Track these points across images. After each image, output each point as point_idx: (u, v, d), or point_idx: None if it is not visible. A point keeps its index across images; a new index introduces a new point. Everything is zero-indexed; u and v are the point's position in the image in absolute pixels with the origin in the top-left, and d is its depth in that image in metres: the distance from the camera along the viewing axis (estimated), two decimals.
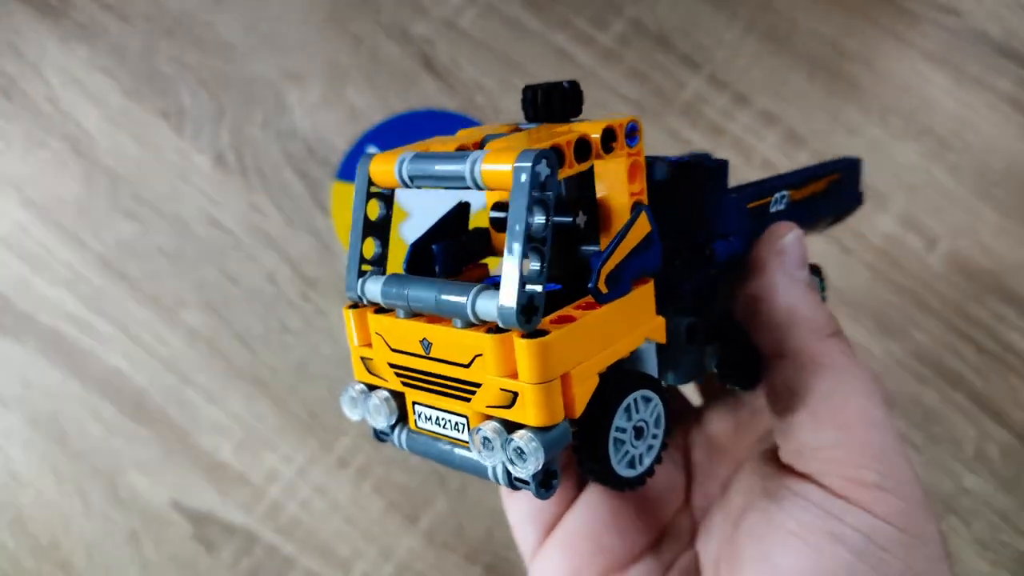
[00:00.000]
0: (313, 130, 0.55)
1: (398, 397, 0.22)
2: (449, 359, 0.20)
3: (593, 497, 0.27)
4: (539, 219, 0.19)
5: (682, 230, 0.24)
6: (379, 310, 0.22)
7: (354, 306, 0.23)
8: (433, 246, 0.24)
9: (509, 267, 0.18)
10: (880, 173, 0.55)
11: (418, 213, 0.54)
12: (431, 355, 0.21)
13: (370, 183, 0.22)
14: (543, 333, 0.19)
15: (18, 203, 0.54)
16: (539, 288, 0.19)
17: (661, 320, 0.22)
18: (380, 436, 0.23)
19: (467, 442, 0.21)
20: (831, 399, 0.22)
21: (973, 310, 0.52)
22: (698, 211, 0.24)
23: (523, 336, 0.19)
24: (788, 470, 0.23)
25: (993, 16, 0.57)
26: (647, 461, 0.22)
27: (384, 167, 0.21)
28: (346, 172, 0.55)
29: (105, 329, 0.52)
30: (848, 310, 0.52)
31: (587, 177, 0.22)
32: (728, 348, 0.26)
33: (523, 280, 0.18)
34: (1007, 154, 0.55)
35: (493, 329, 0.19)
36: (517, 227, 0.18)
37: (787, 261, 0.24)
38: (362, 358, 0.23)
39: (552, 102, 0.22)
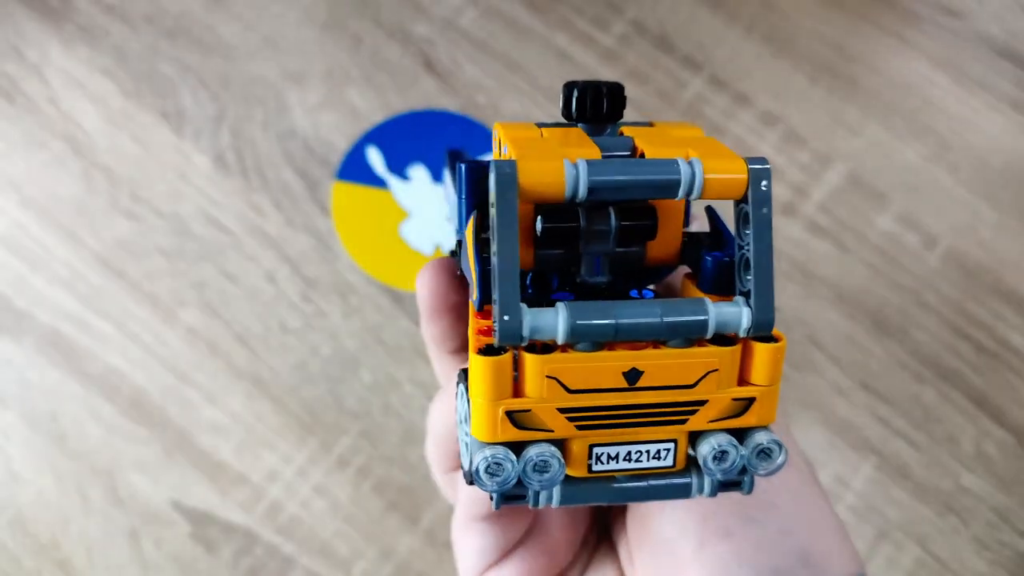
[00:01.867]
0: (313, 130, 0.55)
1: (558, 444, 0.19)
2: (666, 384, 0.18)
3: (538, 525, 0.27)
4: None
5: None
6: (532, 347, 0.18)
7: (489, 351, 0.18)
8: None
9: (764, 279, 0.18)
10: (880, 173, 0.55)
11: (418, 213, 0.54)
12: (639, 385, 0.18)
13: (521, 193, 0.18)
14: (775, 337, 0.19)
15: (17, 203, 0.54)
16: None
17: None
18: (509, 501, 0.20)
19: (669, 467, 0.19)
20: None
21: (972, 309, 0.52)
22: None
23: (762, 341, 0.19)
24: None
25: (995, 18, 0.58)
26: None
27: (545, 174, 0.18)
28: (346, 172, 0.55)
29: (104, 328, 0.52)
30: (847, 309, 0.52)
31: None
32: None
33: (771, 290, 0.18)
34: (1007, 154, 0.55)
35: (719, 341, 0.19)
36: (766, 237, 0.18)
37: None
38: (508, 413, 0.18)
39: (601, 103, 0.21)
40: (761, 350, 0.18)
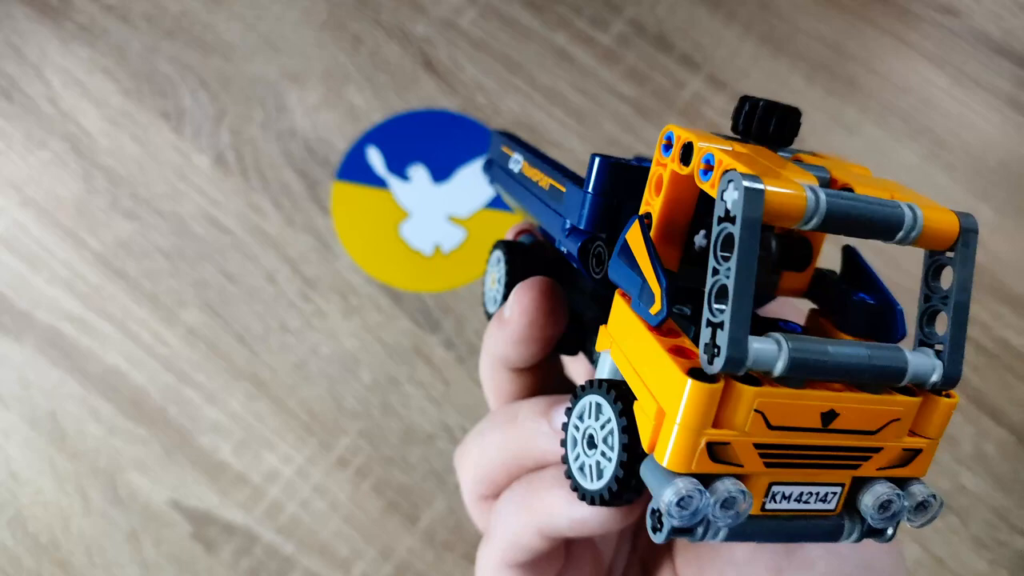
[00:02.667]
0: (313, 130, 0.55)
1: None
2: (856, 428, 0.18)
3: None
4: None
5: None
6: (747, 379, 0.17)
7: (700, 375, 0.18)
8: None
9: (957, 335, 0.19)
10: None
11: (418, 213, 0.54)
12: (832, 427, 0.18)
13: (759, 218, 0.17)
14: (948, 392, 0.19)
15: (17, 203, 0.54)
16: None
17: None
18: (678, 532, 0.19)
19: (831, 511, 0.19)
20: None
21: (971, 309, 0.52)
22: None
23: (941, 395, 0.19)
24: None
25: (992, 16, 0.58)
26: None
27: (789, 199, 0.17)
28: (346, 172, 0.55)
29: (104, 328, 0.52)
30: None
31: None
32: None
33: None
34: (1005, 154, 0.55)
35: (903, 390, 0.19)
36: (963, 294, 0.18)
37: None
38: (709, 444, 0.17)
39: (783, 127, 0.21)
40: (942, 404, 0.19)
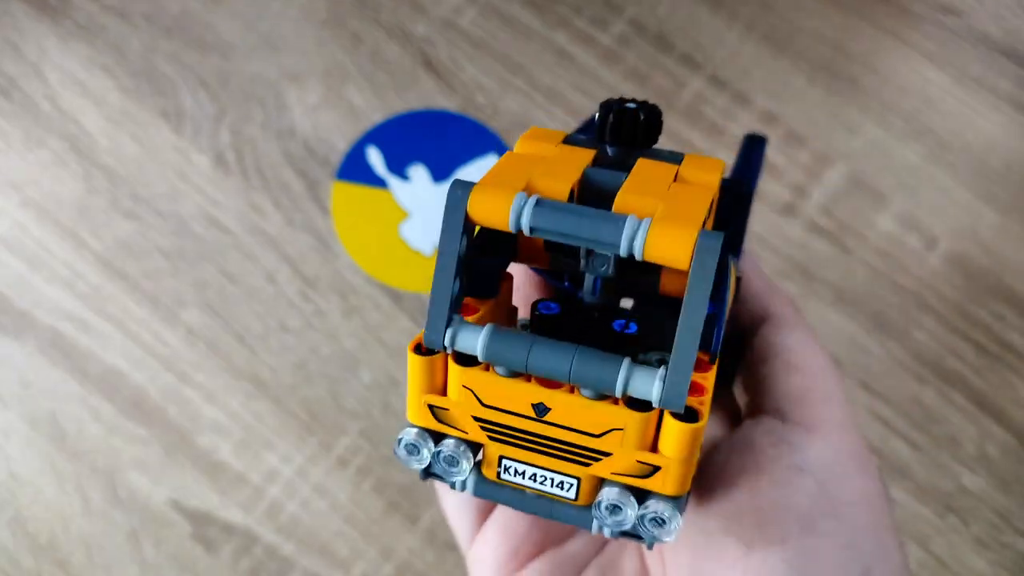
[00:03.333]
0: (313, 130, 0.55)
1: (472, 445, 0.21)
2: (573, 427, 0.19)
3: None
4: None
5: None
6: (460, 359, 0.20)
7: (419, 350, 0.20)
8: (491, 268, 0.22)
9: (683, 358, 0.17)
10: (880, 173, 0.55)
11: (418, 213, 0.54)
12: (546, 419, 0.19)
13: (467, 219, 0.19)
14: (694, 415, 0.18)
15: (17, 202, 0.54)
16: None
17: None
18: (431, 476, 0.22)
19: (571, 500, 0.20)
20: (800, 350, 0.24)
21: (973, 310, 0.52)
22: (732, 234, 0.24)
23: (678, 418, 0.18)
24: (749, 416, 0.24)
25: (994, 16, 0.57)
26: None
27: (492, 205, 0.19)
28: (346, 172, 0.55)
29: (104, 328, 0.52)
30: (848, 310, 0.52)
31: None
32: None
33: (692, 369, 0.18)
34: (1008, 154, 0.55)
35: (631, 404, 0.18)
36: (696, 316, 0.17)
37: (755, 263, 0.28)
38: (431, 406, 0.20)
39: (637, 129, 0.21)
40: (671, 427, 0.18)
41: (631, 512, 0.19)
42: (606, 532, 0.20)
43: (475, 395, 0.20)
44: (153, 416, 0.51)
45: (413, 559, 0.49)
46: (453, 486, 0.21)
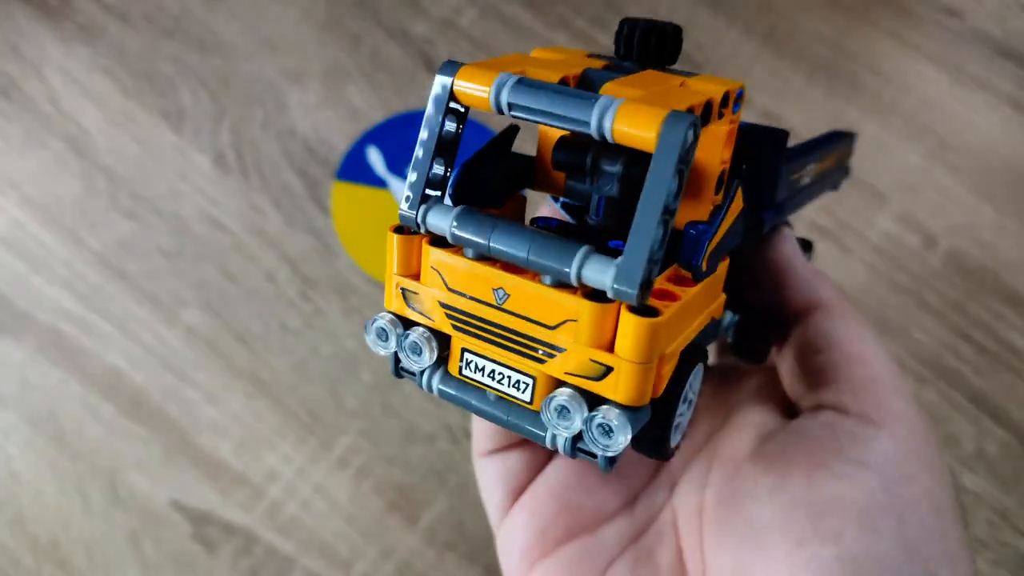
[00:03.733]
0: (313, 130, 0.55)
1: (440, 337, 0.21)
2: (530, 316, 0.19)
3: (560, 460, 0.27)
4: (675, 189, 0.17)
5: (748, 201, 0.23)
6: (435, 241, 0.20)
7: (400, 230, 0.20)
8: (481, 173, 0.22)
9: (640, 240, 0.17)
10: (880, 173, 0.55)
11: None
12: (505, 307, 0.19)
13: (451, 97, 0.19)
14: (653, 311, 0.17)
15: (17, 202, 0.54)
16: (659, 262, 0.17)
17: (723, 297, 0.22)
18: (401, 373, 0.22)
19: (527, 402, 0.20)
20: (860, 340, 0.24)
21: (973, 309, 0.52)
22: (761, 181, 0.23)
23: (633, 311, 0.17)
24: (803, 410, 0.23)
25: (994, 16, 0.57)
26: (685, 424, 0.22)
27: (475, 85, 0.19)
28: (346, 172, 0.55)
29: (104, 328, 0.52)
30: None
31: None
32: (747, 319, 0.25)
33: (652, 256, 0.17)
34: (1007, 154, 0.55)
35: (592, 295, 0.18)
36: (655, 197, 0.17)
37: (796, 252, 0.26)
38: (403, 289, 0.20)
39: (654, 45, 0.20)
40: (626, 321, 0.17)
41: (579, 417, 0.18)
42: (560, 446, 0.19)
43: (442, 278, 0.20)
44: (153, 416, 0.51)
45: (413, 559, 0.49)
46: (420, 385, 0.21)
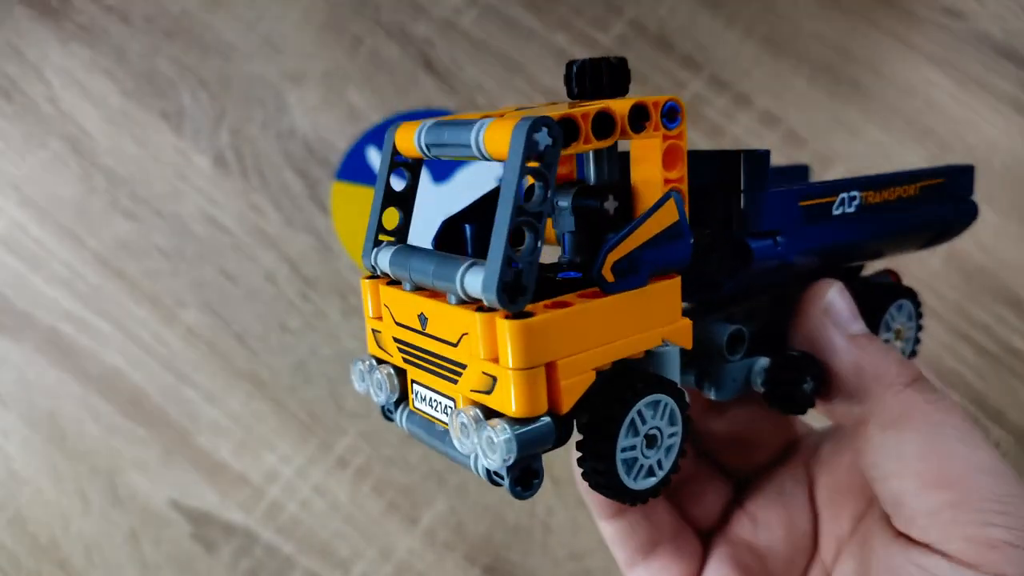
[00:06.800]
0: (313, 130, 0.55)
1: (401, 374, 0.21)
2: (441, 336, 0.19)
3: (722, 556, 0.27)
4: (536, 192, 0.17)
5: (722, 225, 0.22)
6: (391, 282, 0.21)
7: (372, 276, 0.22)
8: (465, 225, 0.23)
9: (495, 241, 0.17)
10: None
11: (417, 213, 0.54)
12: (426, 331, 0.20)
13: (395, 152, 0.21)
14: (525, 314, 0.17)
15: (17, 202, 0.54)
16: (529, 267, 0.17)
17: (686, 323, 0.20)
18: (386, 415, 0.23)
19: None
20: (930, 457, 0.20)
21: (973, 311, 0.52)
22: (735, 204, 0.22)
23: (506, 316, 0.17)
24: (907, 540, 0.21)
25: (995, 18, 0.57)
26: (667, 464, 0.20)
27: (406, 135, 0.21)
28: (346, 172, 0.55)
29: (103, 328, 0.52)
30: None
31: (628, 161, 0.21)
32: (778, 365, 0.23)
33: (508, 256, 0.17)
34: (1009, 156, 0.55)
35: (482, 308, 0.18)
36: (506, 198, 0.17)
37: (837, 319, 0.23)
38: (373, 330, 0.22)
39: (595, 78, 0.21)
40: (500, 325, 0.17)
41: (475, 435, 0.18)
42: (479, 473, 0.19)
43: (391, 314, 0.21)
44: (153, 416, 0.51)
45: (413, 559, 0.49)
46: (391, 420, 0.23)
